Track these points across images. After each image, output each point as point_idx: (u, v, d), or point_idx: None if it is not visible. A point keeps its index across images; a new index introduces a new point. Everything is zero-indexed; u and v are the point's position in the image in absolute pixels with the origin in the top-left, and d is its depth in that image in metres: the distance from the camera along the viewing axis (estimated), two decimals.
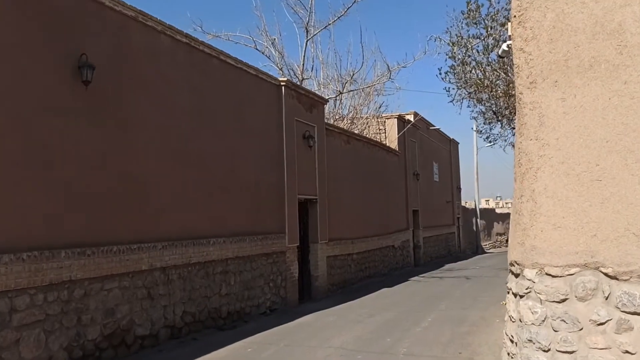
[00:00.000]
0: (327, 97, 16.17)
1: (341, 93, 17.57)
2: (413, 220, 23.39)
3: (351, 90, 18.20)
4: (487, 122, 13.85)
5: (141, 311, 7.85)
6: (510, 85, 11.37)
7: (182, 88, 9.21)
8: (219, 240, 9.75)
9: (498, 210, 53.66)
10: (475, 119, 14.06)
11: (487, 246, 41.07)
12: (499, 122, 13.42)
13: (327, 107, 20.45)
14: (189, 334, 8.81)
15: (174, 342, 8.51)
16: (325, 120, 15.40)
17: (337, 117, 19.39)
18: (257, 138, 11.45)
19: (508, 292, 5.32)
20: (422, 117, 25.64)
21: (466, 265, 23.59)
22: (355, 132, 18.04)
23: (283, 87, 12.32)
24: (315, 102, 13.97)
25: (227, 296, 9.94)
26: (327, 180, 14.47)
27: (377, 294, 14.23)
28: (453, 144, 33.23)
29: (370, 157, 18.42)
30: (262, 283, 11.16)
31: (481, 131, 14.73)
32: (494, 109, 13.04)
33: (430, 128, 27.44)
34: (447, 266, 23.61)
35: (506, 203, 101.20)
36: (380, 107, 23.48)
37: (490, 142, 15.18)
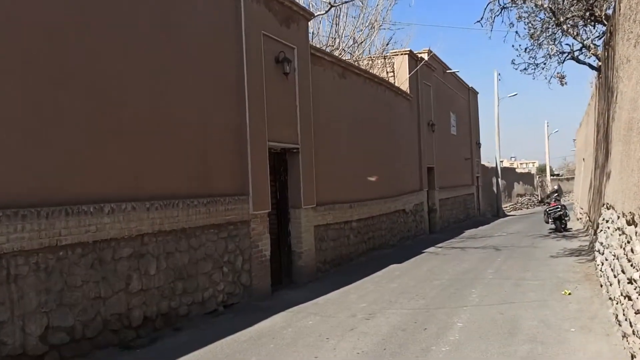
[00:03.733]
0: (315, 14, 12.17)
1: (333, 6, 13.51)
2: (428, 179, 19.64)
3: (346, 2, 14.01)
4: (538, 33, 9.90)
5: None
6: None
7: None
8: (124, 207, 6.11)
9: (518, 170, 49.72)
10: (517, 32, 10.15)
11: (508, 208, 37.35)
12: (558, 29, 9.48)
13: (318, 38, 16.58)
14: None
15: None
16: (312, 45, 11.56)
17: (331, 48, 15.48)
18: (201, 57, 7.71)
19: None
20: (437, 57, 21.59)
21: (490, 232, 19.95)
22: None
23: None
24: (294, 14, 10.08)
25: (144, 293, 6.38)
26: (313, 124, 10.74)
27: (383, 275, 10.66)
28: (472, 93, 29.16)
29: (375, 98, 14.57)
30: (210, 268, 7.58)
31: (527, 50, 10.71)
32: (552, 5, 9.08)
33: (447, 72, 23.39)
34: (467, 233, 19.99)
35: (521, 163, 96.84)
36: (387, 43, 19.53)
37: (531, 70, 11.26)
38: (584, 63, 11.42)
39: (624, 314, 5.28)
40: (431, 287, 9.01)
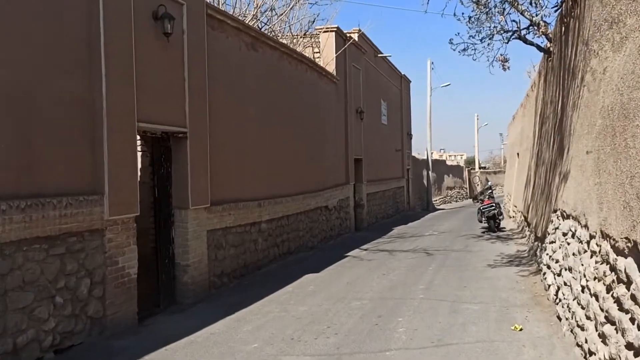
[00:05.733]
0: None
1: None
2: (355, 172, 17.85)
3: None
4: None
5: None
6: None
7: None
8: None
9: (448, 163, 49.30)
10: (461, 1, 8.40)
11: (437, 202, 36.50)
12: None
13: (226, 6, 14.32)
14: None
15: None
16: (213, 9, 9.29)
17: (244, 17, 13.27)
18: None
19: None
20: (367, 39, 19.79)
21: (420, 230, 18.46)
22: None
23: None
24: None
25: None
26: (210, 104, 8.53)
27: (293, 291, 8.67)
28: (404, 82, 27.70)
29: (294, 77, 12.50)
30: (31, 300, 5.27)
31: (470, 20, 9.00)
32: None
33: (378, 55, 21.68)
34: (396, 230, 18.43)
35: (450, 156, 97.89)
36: (314, 21, 17.46)
37: (471, 50, 9.63)
38: (531, 43, 9.85)
39: None
40: (349, 313, 7.09)
